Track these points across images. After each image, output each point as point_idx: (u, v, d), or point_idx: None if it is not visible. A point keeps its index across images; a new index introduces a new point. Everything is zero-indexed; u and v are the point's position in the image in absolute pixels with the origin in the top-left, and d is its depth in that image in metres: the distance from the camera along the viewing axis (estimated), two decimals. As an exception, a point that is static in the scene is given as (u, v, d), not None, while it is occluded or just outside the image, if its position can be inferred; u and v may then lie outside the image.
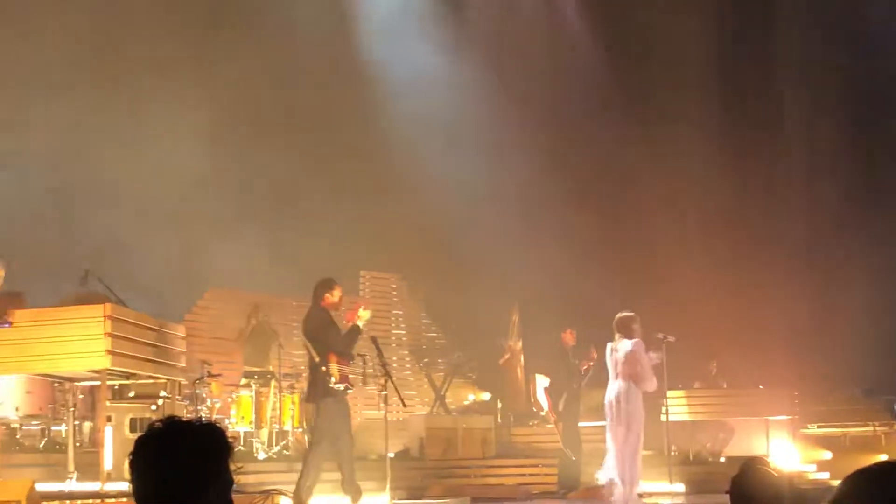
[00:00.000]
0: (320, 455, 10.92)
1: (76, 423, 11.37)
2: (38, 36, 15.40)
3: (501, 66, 19.40)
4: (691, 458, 15.69)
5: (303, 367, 16.48)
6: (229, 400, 14.25)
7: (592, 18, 20.17)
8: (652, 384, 12.43)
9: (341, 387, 10.81)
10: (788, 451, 15.75)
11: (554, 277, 18.04)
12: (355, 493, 10.90)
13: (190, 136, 16.36)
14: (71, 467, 10.01)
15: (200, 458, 2.94)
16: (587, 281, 17.65)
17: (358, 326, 11.19)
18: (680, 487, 14.04)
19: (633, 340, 12.53)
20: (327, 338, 11.01)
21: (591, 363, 14.51)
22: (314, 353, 10.98)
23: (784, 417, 15.84)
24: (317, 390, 10.98)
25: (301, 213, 17.00)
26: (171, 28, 16.38)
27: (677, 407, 15.13)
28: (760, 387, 16.11)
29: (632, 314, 12.58)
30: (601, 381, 15.26)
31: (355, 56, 18.89)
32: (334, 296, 11.29)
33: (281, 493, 9.44)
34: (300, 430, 14.60)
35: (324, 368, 10.78)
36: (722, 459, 15.89)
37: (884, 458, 11.76)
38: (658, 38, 19.43)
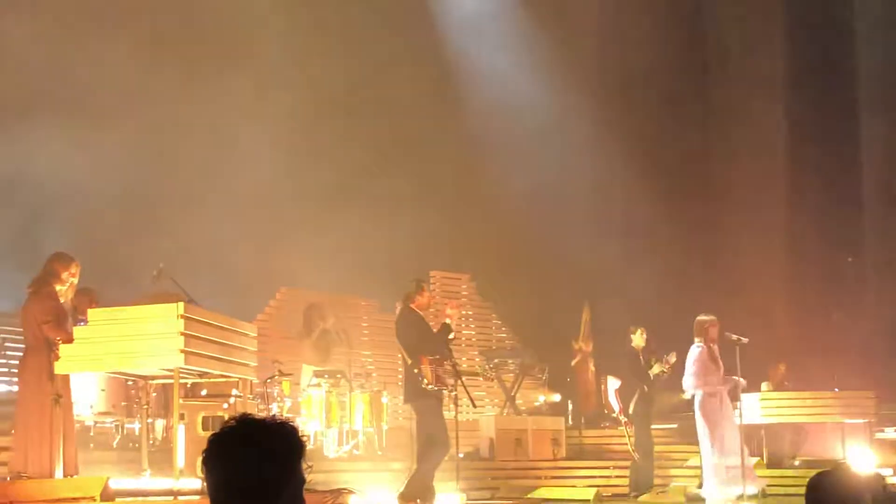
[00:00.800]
0: (433, 457, 10.90)
1: (149, 420, 11.48)
2: (119, 35, 15.59)
3: (577, 69, 19.27)
4: (765, 461, 15.48)
5: (371, 367, 16.58)
6: (299, 399, 14.30)
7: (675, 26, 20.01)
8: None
9: (434, 388, 10.79)
10: (864, 454, 15.46)
11: (627, 278, 17.89)
12: (428, 494, 10.87)
13: (268, 136, 16.48)
14: (144, 464, 10.10)
15: (273, 457, 2.91)
16: (661, 282, 17.50)
17: (448, 325, 11.18)
18: (753, 489, 13.83)
19: (693, 345, 12.50)
20: (419, 340, 11.00)
21: (669, 367, 14.31)
22: (406, 356, 10.99)
23: (860, 421, 15.56)
24: (411, 392, 10.98)
25: (373, 213, 17.01)
26: (249, 25, 16.46)
27: (751, 410, 14.93)
28: (836, 389, 15.84)
29: (708, 318, 12.48)
30: (674, 384, 15.14)
31: (435, 55, 18.85)
32: (423, 296, 11.30)
33: (351, 491, 9.44)
34: (370, 429, 14.61)
35: (416, 371, 10.79)
36: (796, 462, 15.68)
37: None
38: (737, 46, 19.23)
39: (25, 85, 15.13)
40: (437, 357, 10.94)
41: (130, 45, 15.53)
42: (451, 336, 11.23)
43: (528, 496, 13.69)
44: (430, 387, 10.75)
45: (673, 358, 14.11)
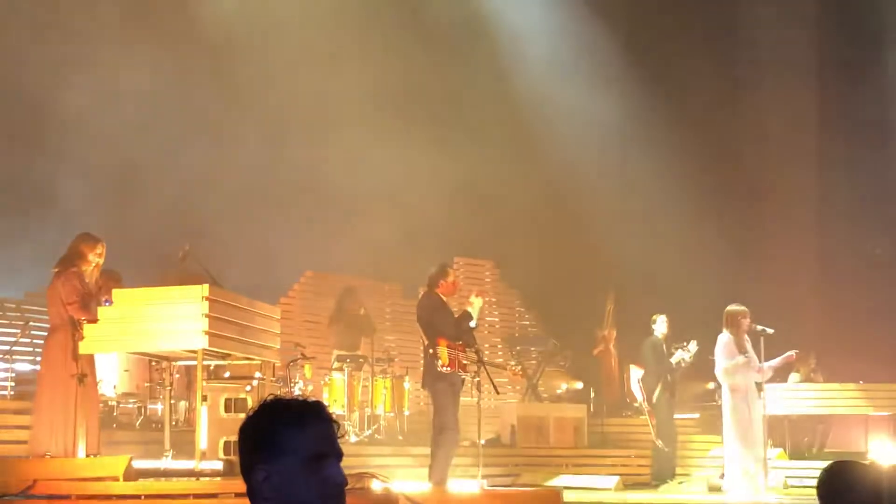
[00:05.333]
0: (446, 440, 10.86)
1: (172, 401, 11.52)
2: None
3: (607, 59, 19.17)
4: (788, 452, 15.42)
5: (395, 353, 16.59)
6: (322, 383, 14.34)
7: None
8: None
9: (448, 370, 10.70)
10: (888, 448, 15.39)
11: (653, 267, 17.81)
12: (440, 481, 10.83)
13: (293, 121, 16.49)
14: (167, 445, 10.14)
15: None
16: (687, 272, 17.42)
17: (469, 314, 11.11)
18: (776, 482, 13.79)
19: (720, 335, 12.44)
20: (438, 322, 10.96)
21: (690, 356, 14.27)
22: (424, 337, 10.99)
23: (885, 413, 15.48)
24: (428, 375, 10.94)
25: (399, 198, 17.00)
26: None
27: (775, 401, 14.85)
28: (861, 381, 15.75)
29: (738, 309, 12.40)
30: (696, 373, 15.09)
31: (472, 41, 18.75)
32: (448, 281, 11.24)
33: (373, 475, 9.43)
34: (392, 414, 14.64)
35: (431, 351, 10.75)
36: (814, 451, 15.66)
37: None
38: (766, 35, 19.11)
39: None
40: (460, 343, 10.90)
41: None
42: (472, 324, 11.14)
43: (549, 483, 13.67)
44: (444, 369, 10.66)
45: (694, 346, 14.07)
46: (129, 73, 15.21)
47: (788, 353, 12.85)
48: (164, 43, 15.45)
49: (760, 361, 12.50)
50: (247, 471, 2.95)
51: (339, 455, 2.97)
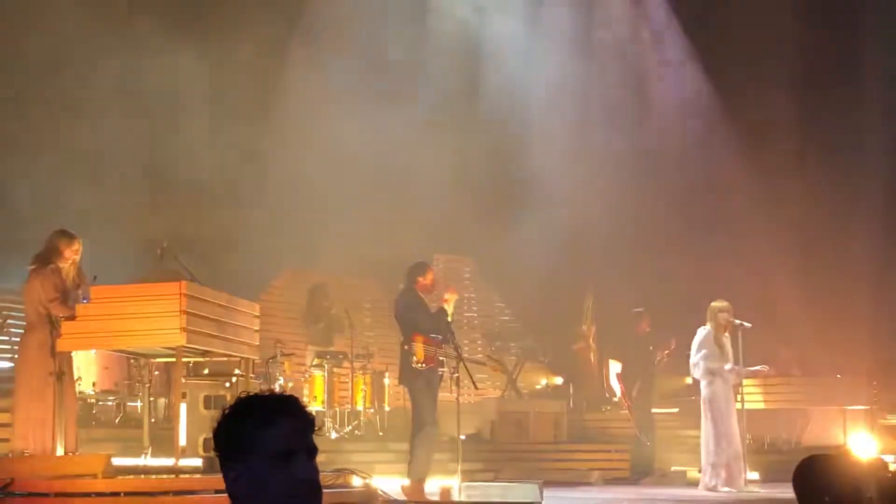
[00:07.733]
0: (425, 436, 10.89)
1: (151, 399, 11.49)
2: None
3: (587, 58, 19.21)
4: (766, 446, 15.49)
5: (374, 349, 16.58)
6: (302, 379, 14.33)
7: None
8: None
9: (423, 366, 10.73)
10: (866, 441, 15.47)
11: (632, 263, 17.85)
12: (418, 479, 10.84)
13: (273, 111, 16.47)
14: (146, 442, 10.12)
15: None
16: (666, 267, 17.46)
17: (444, 309, 11.15)
18: (754, 476, 13.86)
19: (700, 328, 12.50)
20: (414, 318, 10.99)
21: (668, 352, 14.35)
22: (401, 333, 11.02)
23: (862, 407, 15.56)
24: (404, 371, 10.97)
25: (379, 195, 16.98)
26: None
27: (753, 395, 14.92)
28: (838, 375, 15.83)
29: (721, 304, 12.45)
30: (676, 368, 15.16)
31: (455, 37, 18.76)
32: (427, 279, 11.27)
33: (353, 472, 9.44)
34: (371, 410, 14.64)
35: (406, 347, 10.78)
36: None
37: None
38: (751, 44, 19.15)
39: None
40: (439, 338, 10.92)
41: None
42: (448, 320, 11.18)
43: (529, 479, 13.68)
44: (419, 365, 10.70)
45: (672, 343, 14.14)
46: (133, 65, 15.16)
47: (761, 366, 12.96)
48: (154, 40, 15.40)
49: (738, 355, 12.56)
50: (222, 471, 2.96)
51: (309, 451, 2.95)
